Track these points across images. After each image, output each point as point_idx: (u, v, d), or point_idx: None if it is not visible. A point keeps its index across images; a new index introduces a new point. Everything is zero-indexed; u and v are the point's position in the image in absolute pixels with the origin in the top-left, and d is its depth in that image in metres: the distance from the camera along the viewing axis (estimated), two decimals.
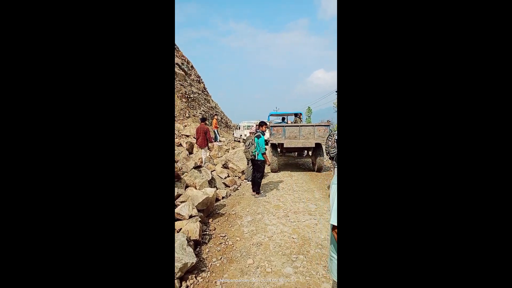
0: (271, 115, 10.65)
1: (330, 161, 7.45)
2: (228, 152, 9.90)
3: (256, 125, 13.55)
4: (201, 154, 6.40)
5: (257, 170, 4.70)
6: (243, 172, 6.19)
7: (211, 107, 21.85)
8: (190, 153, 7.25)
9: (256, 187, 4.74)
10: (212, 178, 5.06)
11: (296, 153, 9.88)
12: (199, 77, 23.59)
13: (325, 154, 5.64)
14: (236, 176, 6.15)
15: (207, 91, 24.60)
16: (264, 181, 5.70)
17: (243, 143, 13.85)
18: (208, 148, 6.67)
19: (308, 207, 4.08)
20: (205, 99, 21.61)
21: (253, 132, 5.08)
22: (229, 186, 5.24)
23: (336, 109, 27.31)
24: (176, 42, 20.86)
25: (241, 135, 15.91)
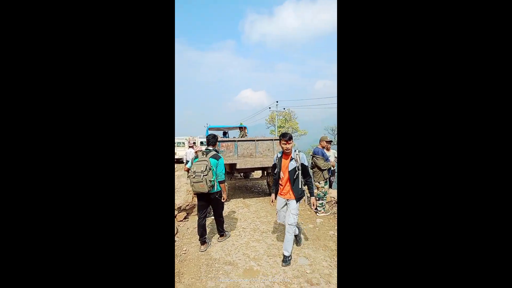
0: (210, 128, 8.94)
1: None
2: None
3: (192, 142, 11.40)
4: None
5: (218, 207, 3.10)
6: (180, 209, 4.18)
7: None
8: None
9: (220, 227, 3.25)
10: None
11: (242, 173, 8.36)
12: None
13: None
14: None
15: None
16: (209, 219, 3.89)
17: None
18: None
19: (298, 264, 2.57)
20: None
21: (204, 151, 3.05)
22: None
23: (268, 126, 27.98)
24: None
25: None
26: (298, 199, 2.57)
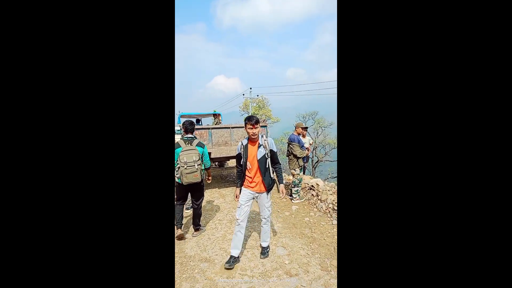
0: (182, 116, 8.47)
1: None
2: None
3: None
4: None
5: (200, 196, 3.04)
6: None
7: None
8: None
9: (198, 219, 3.12)
10: None
11: (217, 162, 8.15)
12: None
13: None
14: None
15: None
16: (186, 211, 3.70)
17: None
18: None
19: (276, 255, 2.54)
20: None
21: (187, 139, 2.80)
22: None
23: (242, 113, 27.65)
24: None
25: None
26: (269, 190, 2.34)
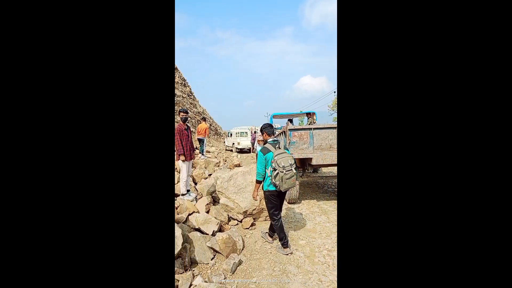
0: (274, 116, 8.12)
1: None
2: (219, 166, 7.23)
3: (254, 132, 10.62)
4: (180, 176, 3.91)
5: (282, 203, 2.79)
6: (246, 214, 3.49)
7: (198, 112, 19.10)
8: None
9: (283, 236, 2.67)
10: (186, 242, 2.40)
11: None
12: (184, 79, 20.78)
13: None
14: (235, 221, 3.48)
15: (193, 95, 21.75)
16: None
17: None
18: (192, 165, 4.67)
19: None
20: (191, 103, 18.80)
21: (272, 143, 2.56)
22: (221, 254, 2.57)
23: (331, 112, 25.37)
24: None
25: (233, 144, 13.58)
26: None
